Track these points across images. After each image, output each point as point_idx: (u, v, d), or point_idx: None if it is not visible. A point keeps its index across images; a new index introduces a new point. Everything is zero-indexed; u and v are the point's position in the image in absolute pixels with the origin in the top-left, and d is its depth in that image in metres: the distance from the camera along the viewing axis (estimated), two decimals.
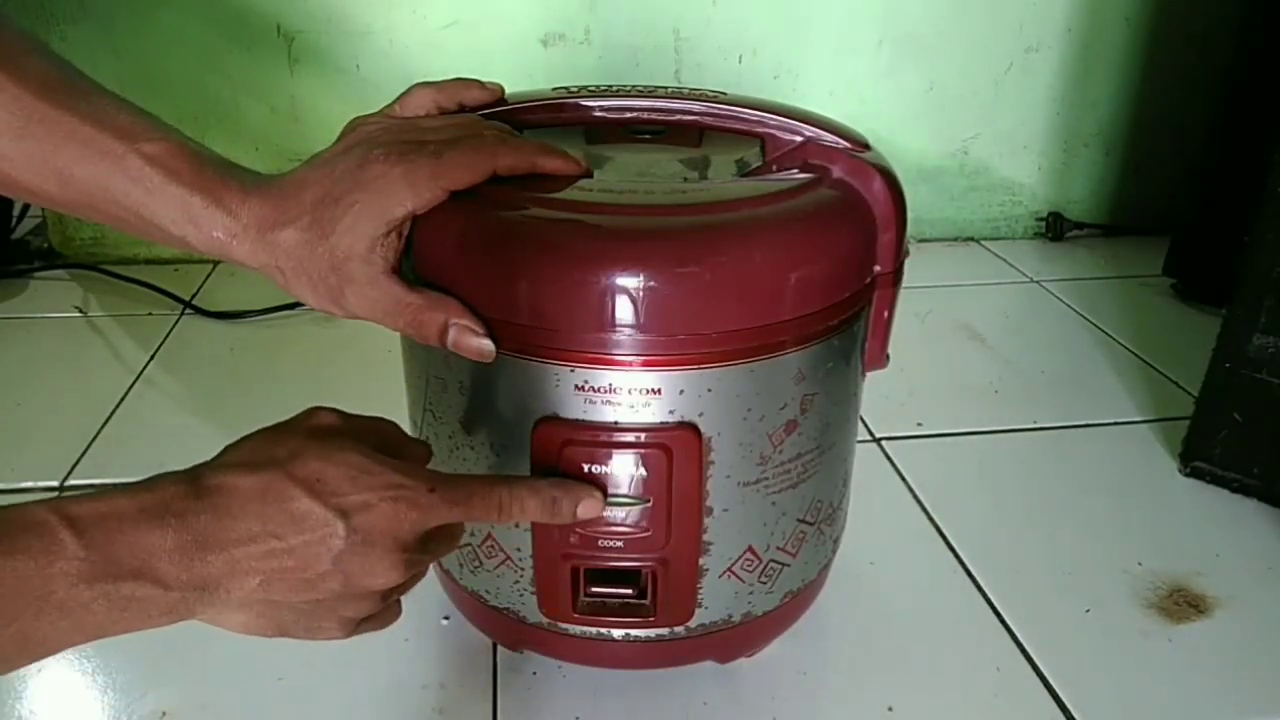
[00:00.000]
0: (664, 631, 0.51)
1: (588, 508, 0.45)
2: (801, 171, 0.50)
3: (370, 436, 0.41)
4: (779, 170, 0.51)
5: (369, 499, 0.37)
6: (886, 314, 0.52)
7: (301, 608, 0.38)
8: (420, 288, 0.44)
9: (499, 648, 0.59)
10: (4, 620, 0.30)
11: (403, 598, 0.43)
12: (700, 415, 0.45)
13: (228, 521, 0.35)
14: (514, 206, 0.45)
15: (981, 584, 0.66)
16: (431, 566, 0.52)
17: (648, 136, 0.55)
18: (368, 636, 0.42)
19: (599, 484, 0.46)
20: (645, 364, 0.44)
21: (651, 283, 0.42)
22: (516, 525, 0.49)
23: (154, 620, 0.34)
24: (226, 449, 0.39)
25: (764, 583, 0.52)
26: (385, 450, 0.40)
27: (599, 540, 0.48)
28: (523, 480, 0.44)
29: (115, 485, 0.35)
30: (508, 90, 0.53)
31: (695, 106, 0.54)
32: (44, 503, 0.33)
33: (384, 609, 0.41)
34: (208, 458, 0.38)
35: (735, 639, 0.53)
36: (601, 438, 0.45)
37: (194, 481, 0.36)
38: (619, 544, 0.47)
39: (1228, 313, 0.73)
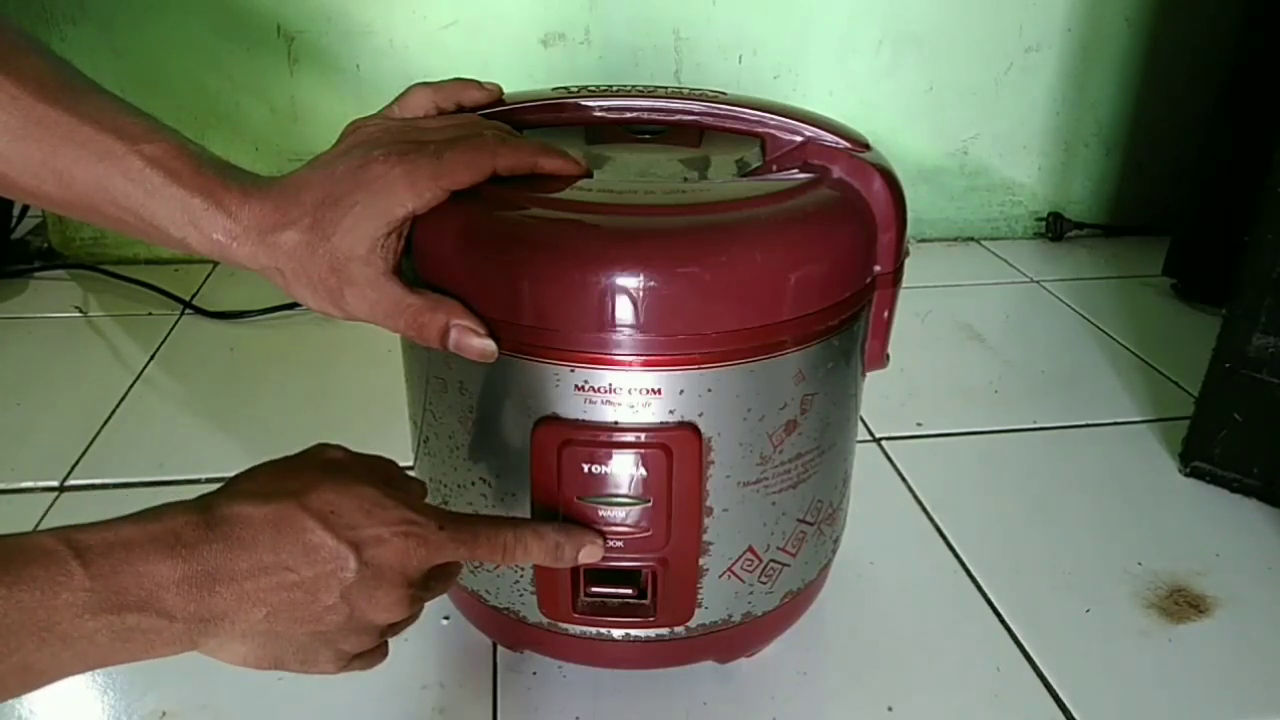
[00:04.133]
0: (664, 631, 0.51)
1: (589, 553, 0.46)
2: (801, 171, 0.50)
3: (375, 473, 0.41)
4: (779, 170, 0.51)
5: (381, 533, 0.38)
6: (886, 314, 0.52)
7: (301, 640, 0.37)
8: (420, 289, 0.44)
9: (499, 648, 0.59)
10: (6, 651, 0.30)
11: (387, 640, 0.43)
12: (700, 415, 0.45)
13: (240, 552, 0.35)
14: (514, 206, 0.45)
15: (981, 584, 0.66)
16: None
17: (648, 136, 0.55)
18: None
19: (599, 530, 0.47)
20: (645, 364, 0.44)
21: (651, 283, 0.42)
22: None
23: (157, 651, 0.34)
24: (235, 479, 0.38)
25: (764, 583, 0.52)
26: (392, 487, 0.40)
27: None
28: (528, 523, 0.45)
29: (124, 516, 0.34)
30: (507, 90, 0.53)
31: (695, 106, 0.54)
32: (52, 531, 0.32)
33: (375, 647, 0.41)
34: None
35: (735, 639, 0.53)
36: (601, 438, 0.45)
37: (205, 511, 0.35)
38: (619, 544, 0.47)
39: (1228, 313, 0.73)
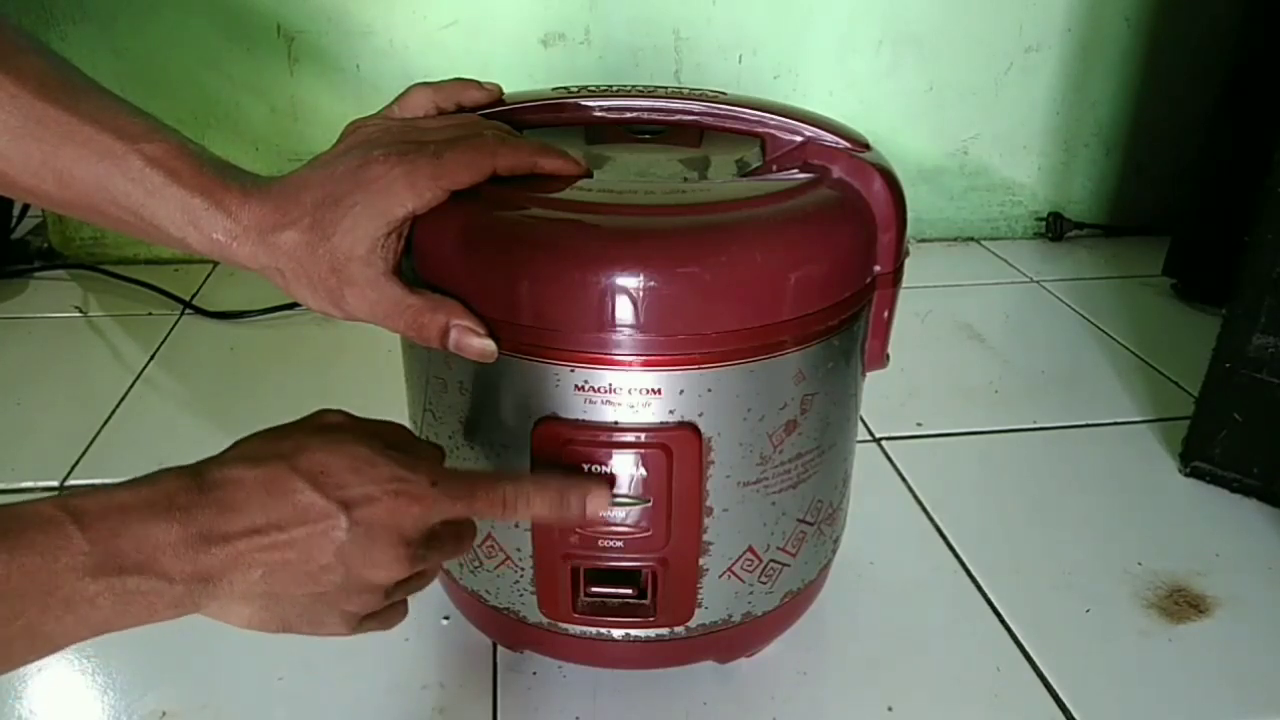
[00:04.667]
0: (664, 631, 0.51)
1: (596, 501, 0.44)
2: (801, 171, 0.50)
3: (377, 436, 0.41)
4: (779, 170, 0.51)
5: (371, 491, 0.37)
6: (886, 314, 0.52)
7: (304, 601, 0.38)
8: (420, 289, 0.44)
9: (499, 648, 0.59)
10: (11, 616, 0.30)
11: (405, 599, 0.43)
12: (700, 415, 0.45)
13: (231, 514, 0.35)
14: (514, 206, 0.45)
15: (981, 584, 0.66)
16: None
17: (648, 136, 0.55)
18: (368, 636, 0.42)
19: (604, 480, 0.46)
20: (645, 364, 0.44)
21: (651, 283, 0.42)
22: (515, 525, 0.49)
23: (159, 614, 0.34)
24: (232, 445, 0.39)
25: (764, 583, 0.52)
26: (394, 450, 0.40)
27: (599, 540, 0.48)
28: (528, 475, 0.44)
29: (120, 481, 0.35)
30: (507, 90, 0.53)
31: (695, 106, 0.54)
32: (49, 499, 0.33)
33: (388, 607, 0.41)
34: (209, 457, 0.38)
35: (735, 639, 0.53)
36: (601, 438, 0.45)
37: (198, 475, 0.36)
38: (619, 544, 0.47)
39: (1228, 313, 0.73)
